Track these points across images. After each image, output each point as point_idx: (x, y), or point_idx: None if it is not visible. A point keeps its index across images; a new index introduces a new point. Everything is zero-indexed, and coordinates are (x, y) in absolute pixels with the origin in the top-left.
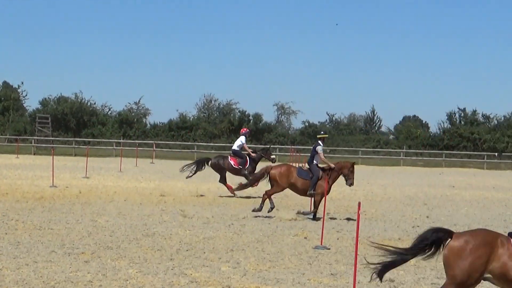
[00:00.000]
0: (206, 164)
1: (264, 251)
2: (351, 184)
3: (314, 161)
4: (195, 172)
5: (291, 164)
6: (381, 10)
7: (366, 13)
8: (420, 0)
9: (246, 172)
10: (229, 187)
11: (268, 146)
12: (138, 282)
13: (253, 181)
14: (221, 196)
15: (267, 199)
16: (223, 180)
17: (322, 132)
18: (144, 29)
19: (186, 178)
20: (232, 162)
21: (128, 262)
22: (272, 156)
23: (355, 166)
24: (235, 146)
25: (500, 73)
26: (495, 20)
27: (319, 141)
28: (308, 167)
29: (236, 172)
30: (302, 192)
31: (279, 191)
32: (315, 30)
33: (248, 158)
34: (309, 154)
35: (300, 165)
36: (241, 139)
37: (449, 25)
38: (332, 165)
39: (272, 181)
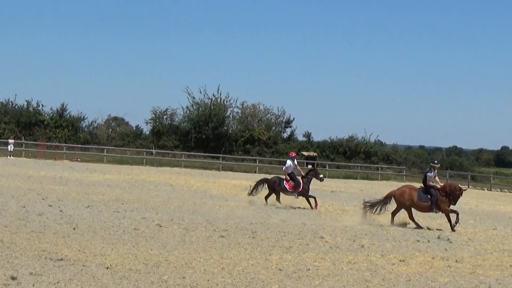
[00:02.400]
0: (264, 184)
1: None
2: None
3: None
4: (257, 191)
5: (412, 185)
6: None
7: None
8: None
9: (297, 195)
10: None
11: (314, 167)
12: None
13: (381, 205)
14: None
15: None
16: (277, 199)
17: (435, 162)
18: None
19: (248, 195)
20: (287, 186)
21: None
22: (320, 176)
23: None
24: (289, 170)
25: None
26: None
27: (431, 168)
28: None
29: (289, 194)
30: (423, 210)
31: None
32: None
33: (301, 180)
34: None
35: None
36: (294, 163)
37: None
38: (438, 186)
39: (397, 201)
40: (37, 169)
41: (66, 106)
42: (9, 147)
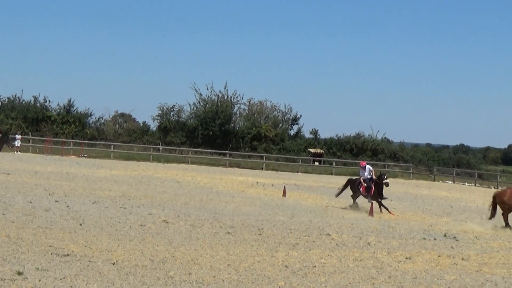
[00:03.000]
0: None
1: None
2: None
3: None
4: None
5: None
6: None
7: None
8: None
9: (369, 199)
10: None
11: (383, 172)
12: None
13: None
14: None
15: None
16: (353, 198)
17: None
18: None
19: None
20: (361, 189)
21: None
22: (385, 181)
23: None
24: (367, 175)
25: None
26: None
27: None
28: None
29: (363, 196)
30: None
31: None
32: None
33: (373, 185)
34: None
35: None
36: (366, 172)
37: None
38: None
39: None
40: (44, 164)
41: (73, 102)
42: (16, 142)
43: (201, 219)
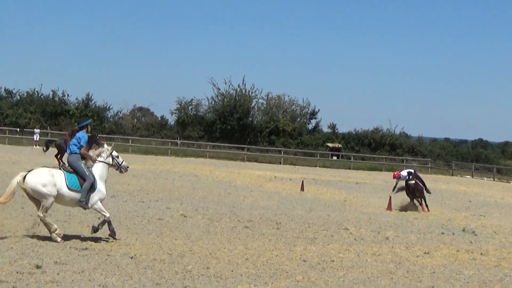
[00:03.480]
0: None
1: None
2: None
3: None
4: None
5: None
6: None
7: None
8: None
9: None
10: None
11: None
12: None
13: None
14: None
15: None
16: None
17: None
18: None
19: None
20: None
21: None
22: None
23: None
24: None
25: (23, 48)
26: None
27: None
28: None
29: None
30: None
31: None
32: None
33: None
34: None
35: None
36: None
37: None
38: None
39: None
40: (63, 158)
41: (91, 96)
42: (35, 136)
43: (219, 213)
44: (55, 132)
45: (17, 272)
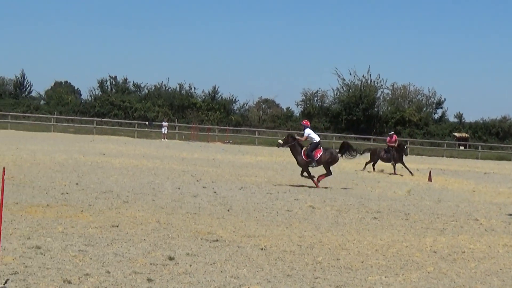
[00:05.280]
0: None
1: None
2: None
3: None
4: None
5: None
6: None
7: None
8: None
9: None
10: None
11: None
12: None
13: None
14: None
15: None
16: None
17: None
18: None
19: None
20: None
21: None
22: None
23: None
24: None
25: (152, 42)
26: None
27: None
28: None
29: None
30: None
31: None
32: None
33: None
34: None
35: None
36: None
37: None
38: None
39: None
40: (190, 151)
41: (217, 89)
42: (163, 129)
43: (347, 204)
44: (182, 125)
45: (151, 264)
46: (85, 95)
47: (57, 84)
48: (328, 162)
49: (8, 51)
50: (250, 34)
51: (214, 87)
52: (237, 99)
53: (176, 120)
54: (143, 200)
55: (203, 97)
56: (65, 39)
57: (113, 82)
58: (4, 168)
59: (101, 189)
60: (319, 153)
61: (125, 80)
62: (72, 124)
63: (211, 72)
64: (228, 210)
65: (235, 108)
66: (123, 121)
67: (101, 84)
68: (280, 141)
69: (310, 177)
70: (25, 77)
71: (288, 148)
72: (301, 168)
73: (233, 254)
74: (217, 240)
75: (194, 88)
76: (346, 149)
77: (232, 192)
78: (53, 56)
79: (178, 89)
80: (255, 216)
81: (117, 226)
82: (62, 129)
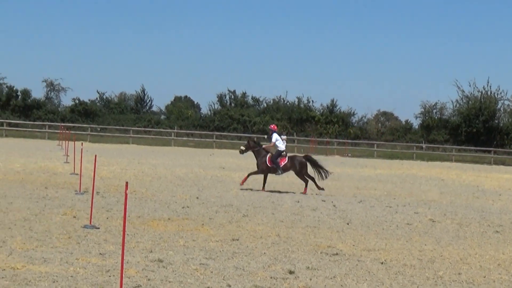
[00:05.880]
0: None
1: (31, 230)
2: None
3: None
4: None
5: None
6: None
7: None
8: None
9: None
10: None
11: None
12: None
13: None
14: None
15: None
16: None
17: None
18: None
19: None
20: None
21: None
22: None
23: None
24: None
25: (269, 56)
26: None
27: None
28: None
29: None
30: None
31: None
32: (80, 6)
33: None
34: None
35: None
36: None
37: (213, 6)
38: None
39: None
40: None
41: (336, 102)
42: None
43: (468, 217)
44: (301, 138)
45: (271, 277)
46: (204, 110)
47: (177, 99)
48: (298, 170)
49: (129, 67)
50: (369, 48)
51: (332, 100)
52: (355, 112)
53: (294, 133)
54: (262, 213)
55: (322, 110)
56: (184, 55)
57: (232, 96)
58: (126, 183)
59: (221, 203)
60: (283, 161)
61: (244, 94)
62: (192, 138)
63: (329, 85)
64: (348, 224)
65: (354, 121)
66: (242, 135)
67: (220, 98)
68: (242, 147)
69: (264, 184)
70: (145, 92)
71: (410, 161)
72: (256, 172)
73: (353, 268)
74: (337, 254)
75: (313, 101)
76: (312, 163)
77: (351, 205)
78: (173, 71)
79: (296, 102)
80: (375, 230)
81: (237, 240)
82: (182, 143)
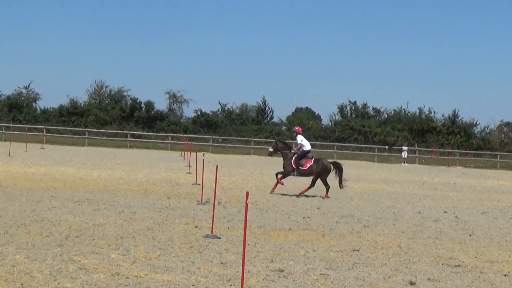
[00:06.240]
0: None
1: (154, 239)
2: None
3: None
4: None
5: None
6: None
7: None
8: None
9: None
10: None
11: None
12: (25, 268)
13: None
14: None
15: None
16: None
17: None
18: (32, 13)
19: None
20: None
21: (15, 247)
22: None
23: None
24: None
25: (391, 67)
26: (387, 13)
27: None
28: None
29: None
30: None
31: None
32: (205, 19)
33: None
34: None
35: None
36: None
37: (336, 16)
38: None
39: None
40: (430, 175)
41: (458, 113)
42: (403, 153)
43: None
44: (422, 149)
45: None
46: (325, 120)
47: (298, 110)
48: (320, 173)
49: (251, 78)
50: (492, 58)
51: (454, 111)
52: (477, 123)
53: (416, 144)
54: (383, 224)
55: (443, 121)
56: (305, 67)
57: (353, 107)
58: (247, 193)
59: (342, 213)
60: (308, 163)
61: (365, 105)
62: (313, 149)
63: (450, 96)
64: (470, 235)
65: (476, 131)
66: (363, 145)
67: (341, 109)
68: (270, 149)
69: (280, 182)
70: (266, 104)
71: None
72: (283, 173)
73: (475, 280)
74: (459, 266)
75: (434, 112)
76: (338, 170)
77: (474, 216)
78: (294, 83)
79: (417, 113)
80: (498, 241)
81: (358, 250)
82: None
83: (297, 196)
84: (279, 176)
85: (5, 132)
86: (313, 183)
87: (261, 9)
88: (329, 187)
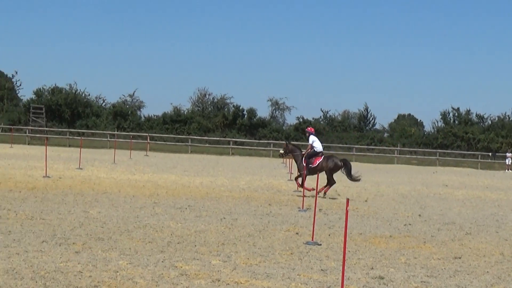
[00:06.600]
0: None
1: (255, 246)
2: None
3: None
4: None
5: None
6: (375, 8)
7: (360, 11)
8: (416, 2)
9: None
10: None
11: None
12: (128, 273)
13: None
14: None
15: None
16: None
17: None
18: (138, 23)
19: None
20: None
21: (118, 253)
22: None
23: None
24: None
25: (495, 73)
26: (488, 21)
27: None
28: None
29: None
30: None
31: None
32: (310, 28)
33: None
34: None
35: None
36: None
37: (443, 25)
38: None
39: None
40: None
41: None
42: (507, 160)
43: None
44: None
45: None
46: (428, 127)
47: (400, 117)
48: (331, 169)
49: (353, 86)
50: None
51: None
52: None
53: None
54: (486, 232)
55: None
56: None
57: (456, 114)
58: (347, 199)
59: (444, 221)
60: (318, 160)
61: (468, 111)
62: (415, 156)
63: None
64: None
65: None
66: (466, 152)
67: (444, 116)
68: (281, 151)
69: (301, 185)
70: (368, 111)
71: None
72: (300, 175)
73: None
74: None
75: None
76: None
77: None
78: (396, 90)
79: None
80: None
81: (459, 258)
82: (405, 161)
83: (323, 196)
84: (299, 180)
85: (110, 139)
86: (331, 180)
87: (367, 16)
88: (334, 183)
